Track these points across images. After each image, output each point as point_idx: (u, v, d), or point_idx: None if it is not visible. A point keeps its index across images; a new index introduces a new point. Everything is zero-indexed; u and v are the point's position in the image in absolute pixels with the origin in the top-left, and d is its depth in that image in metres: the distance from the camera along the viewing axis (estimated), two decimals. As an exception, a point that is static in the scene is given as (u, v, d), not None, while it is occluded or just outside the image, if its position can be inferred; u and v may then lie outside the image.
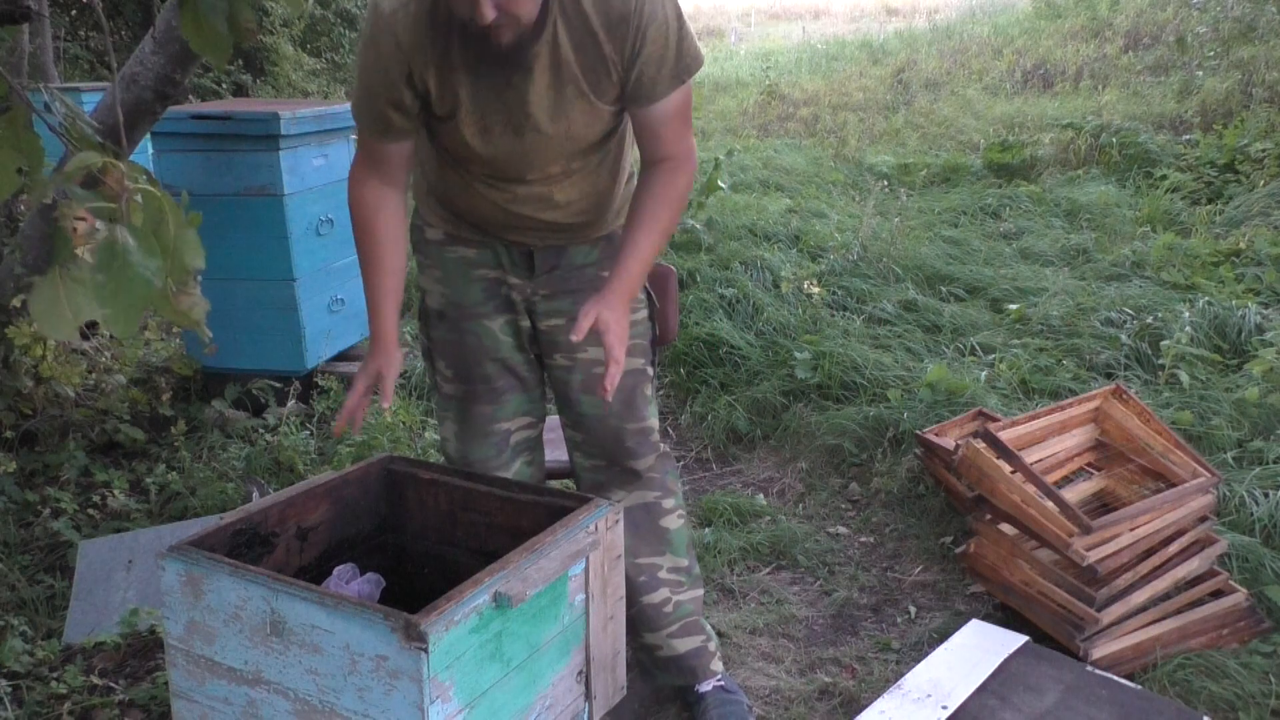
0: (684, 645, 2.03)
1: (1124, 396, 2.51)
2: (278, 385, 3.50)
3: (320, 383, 3.58)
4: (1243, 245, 4.83)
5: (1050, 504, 2.21)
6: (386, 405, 1.77)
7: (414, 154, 1.81)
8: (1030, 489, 2.25)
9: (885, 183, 6.52)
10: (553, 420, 2.14)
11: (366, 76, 1.69)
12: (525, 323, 1.91)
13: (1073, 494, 2.33)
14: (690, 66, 1.66)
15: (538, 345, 1.93)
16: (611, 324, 1.65)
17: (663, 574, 2.00)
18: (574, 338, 1.64)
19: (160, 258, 0.96)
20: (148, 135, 3.41)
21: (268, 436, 3.25)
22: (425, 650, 1.29)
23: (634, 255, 1.72)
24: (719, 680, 2.06)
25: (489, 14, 1.47)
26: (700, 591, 2.08)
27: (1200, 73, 8.55)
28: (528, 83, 1.62)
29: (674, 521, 2.01)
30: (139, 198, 0.97)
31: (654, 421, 1.98)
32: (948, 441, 2.84)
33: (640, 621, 2.02)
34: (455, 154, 1.77)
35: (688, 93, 1.71)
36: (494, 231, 1.84)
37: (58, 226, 0.93)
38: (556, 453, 2.26)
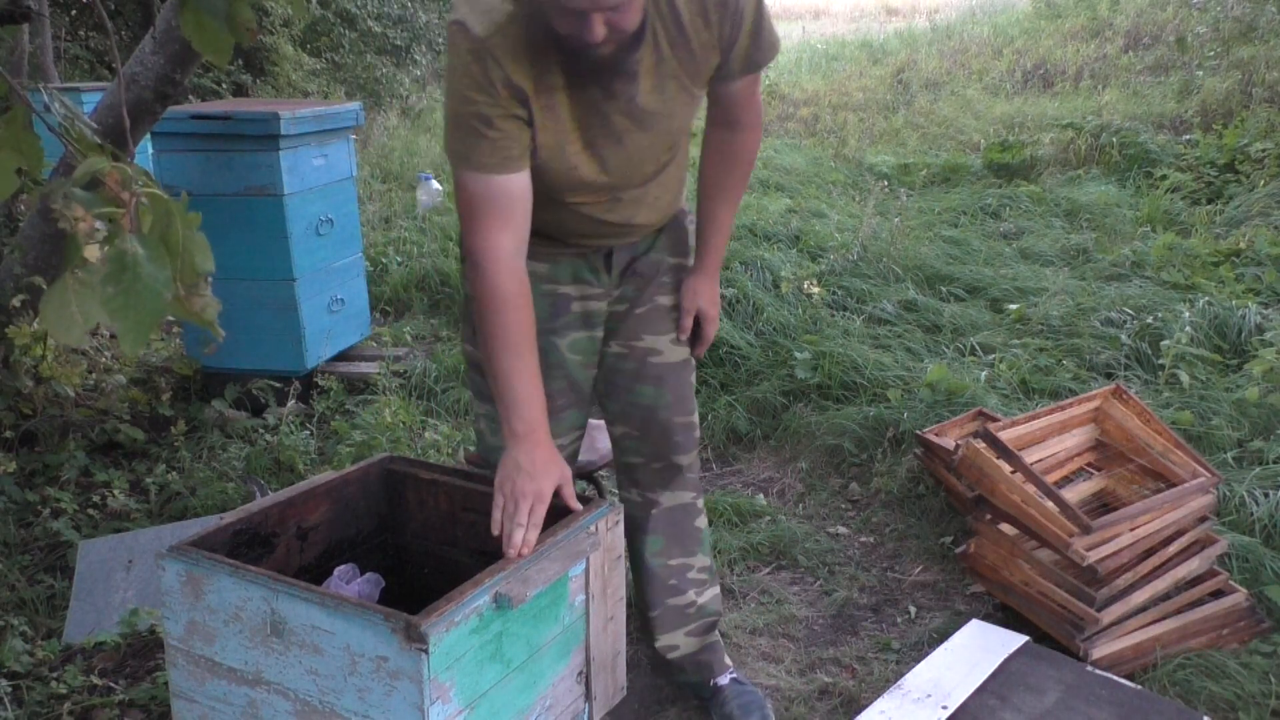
0: (701, 642, 2.05)
1: (1124, 396, 2.51)
2: (278, 385, 3.51)
3: (320, 383, 3.58)
4: (1243, 245, 4.83)
5: (1050, 504, 2.21)
6: (578, 508, 1.63)
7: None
8: (1030, 489, 2.25)
9: (885, 183, 6.50)
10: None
11: (469, 106, 1.53)
12: (599, 334, 1.86)
13: (1073, 494, 2.33)
14: (774, 46, 1.69)
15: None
16: (709, 310, 1.91)
17: (692, 574, 2.02)
18: (681, 336, 1.89)
19: (169, 267, 0.95)
20: (148, 135, 3.41)
21: (268, 436, 3.25)
22: (425, 651, 1.29)
23: (718, 232, 1.90)
24: (732, 673, 2.08)
25: (600, 33, 1.43)
26: (717, 589, 2.10)
27: (1200, 73, 8.55)
28: (633, 88, 1.59)
29: (703, 521, 2.05)
30: (145, 200, 0.96)
31: (697, 416, 1.99)
32: (948, 441, 2.84)
33: (661, 623, 2.02)
34: (556, 188, 1.67)
35: None
36: (573, 241, 1.79)
37: (67, 230, 0.92)
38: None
